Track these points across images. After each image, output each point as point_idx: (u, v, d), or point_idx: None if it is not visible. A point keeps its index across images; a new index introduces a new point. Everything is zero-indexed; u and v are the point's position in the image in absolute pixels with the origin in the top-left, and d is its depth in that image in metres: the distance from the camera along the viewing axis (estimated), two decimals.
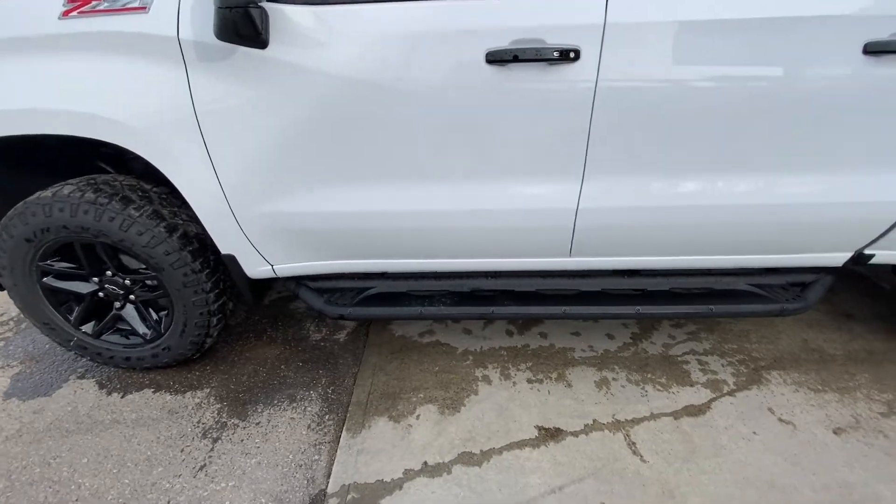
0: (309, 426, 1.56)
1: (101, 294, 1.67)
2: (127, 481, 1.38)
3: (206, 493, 1.34)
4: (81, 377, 1.77)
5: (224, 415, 1.61)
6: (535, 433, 1.51)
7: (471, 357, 1.86)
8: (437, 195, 1.40)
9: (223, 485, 1.36)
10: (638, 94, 1.26)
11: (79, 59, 1.25)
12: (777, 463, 1.39)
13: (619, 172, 1.38)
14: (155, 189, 1.56)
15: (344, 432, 1.52)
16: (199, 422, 1.58)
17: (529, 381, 1.73)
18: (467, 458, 1.42)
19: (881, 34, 1.16)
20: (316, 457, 1.45)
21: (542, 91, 1.26)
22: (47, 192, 1.44)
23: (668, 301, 1.65)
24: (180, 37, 1.21)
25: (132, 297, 1.67)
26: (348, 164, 1.36)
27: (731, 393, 1.66)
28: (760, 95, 1.24)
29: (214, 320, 1.68)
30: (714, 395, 1.65)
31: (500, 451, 1.45)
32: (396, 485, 1.34)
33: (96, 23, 1.22)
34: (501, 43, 1.20)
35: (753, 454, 1.42)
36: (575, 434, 1.51)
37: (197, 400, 1.67)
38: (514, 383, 1.72)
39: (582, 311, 1.60)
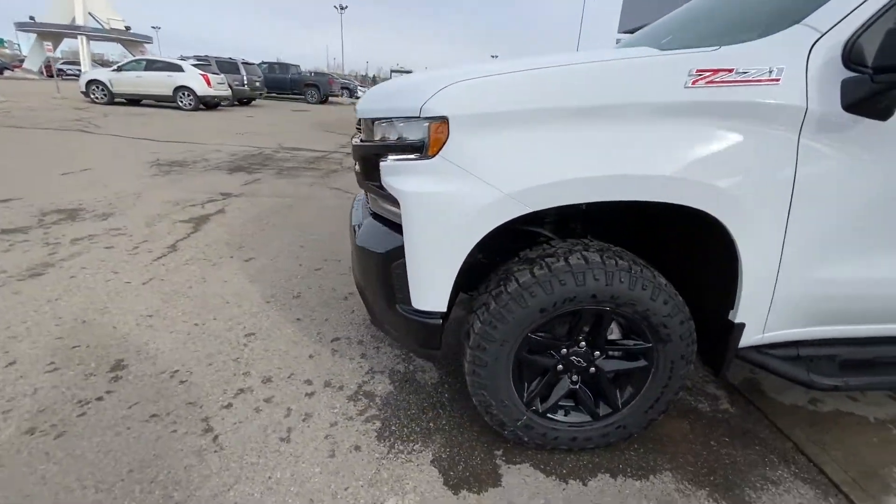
0: None
1: (560, 367, 1.54)
2: None
3: None
4: (509, 462, 1.59)
5: (720, 499, 1.45)
6: None
7: (892, 426, 1.77)
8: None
9: None
10: None
11: (693, 127, 1.23)
12: None
13: None
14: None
15: None
16: None
17: None
18: None
19: None
20: None
21: None
22: (579, 260, 1.35)
23: None
24: (808, 107, 1.21)
25: (592, 370, 1.54)
26: None
27: None
28: None
29: (680, 394, 1.56)
30: None
31: None
32: None
33: (722, 93, 1.22)
34: None
35: None
36: None
37: (669, 484, 1.50)
38: None
39: None
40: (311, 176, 6.04)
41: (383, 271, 1.46)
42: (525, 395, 1.55)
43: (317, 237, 3.71)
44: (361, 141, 1.57)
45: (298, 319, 2.46)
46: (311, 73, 23.26)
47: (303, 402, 1.83)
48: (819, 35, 1.23)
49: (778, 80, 1.21)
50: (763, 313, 1.44)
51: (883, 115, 1.21)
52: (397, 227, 1.43)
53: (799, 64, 1.22)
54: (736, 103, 1.22)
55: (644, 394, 1.54)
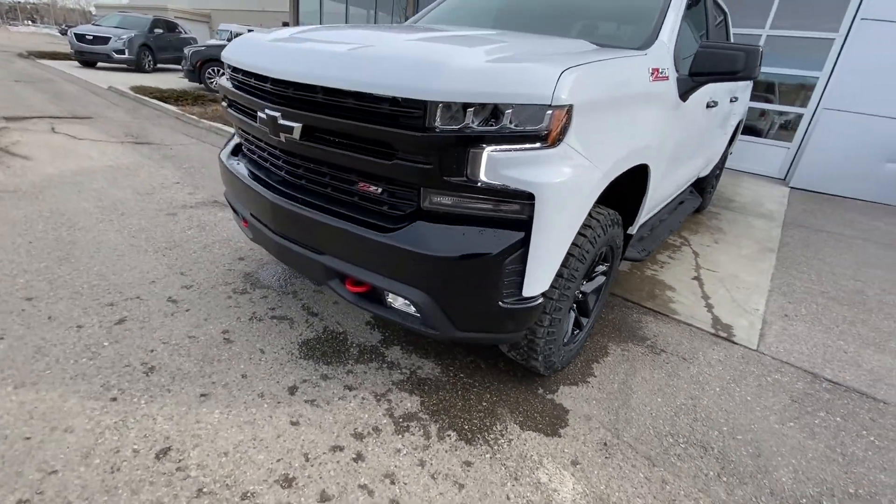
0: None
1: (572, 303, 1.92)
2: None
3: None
4: (552, 393, 1.90)
5: (635, 342, 2.32)
6: None
7: (636, 271, 3.20)
8: (690, 165, 2.72)
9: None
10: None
11: (646, 108, 1.76)
12: None
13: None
14: None
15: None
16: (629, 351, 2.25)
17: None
18: None
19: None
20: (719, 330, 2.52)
21: (720, 116, 2.82)
22: (599, 217, 1.72)
23: None
24: (674, 94, 1.98)
25: (580, 296, 2.01)
26: (685, 153, 2.47)
27: None
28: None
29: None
30: None
31: None
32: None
33: (656, 86, 1.78)
34: (712, 100, 2.67)
35: None
36: None
37: (616, 346, 2.25)
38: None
39: None
40: None
41: (494, 271, 1.36)
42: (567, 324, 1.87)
43: (32, 279, 2.19)
44: (438, 130, 1.25)
45: (204, 396, 1.64)
46: None
47: (364, 468, 1.44)
48: (667, 50, 1.99)
49: (668, 77, 1.91)
50: (639, 223, 2.29)
51: (685, 99, 2.14)
52: (496, 223, 1.36)
53: (670, 68, 1.95)
54: (660, 92, 1.85)
55: (601, 298, 2.17)
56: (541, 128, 1.27)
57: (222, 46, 10.48)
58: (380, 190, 1.44)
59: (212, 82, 9.36)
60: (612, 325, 2.48)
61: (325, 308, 2.30)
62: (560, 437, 1.69)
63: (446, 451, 1.56)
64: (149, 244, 2.71)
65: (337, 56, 1.39)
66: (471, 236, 1.35)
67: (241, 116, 1.80)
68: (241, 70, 1.71)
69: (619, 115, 1.54)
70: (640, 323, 2.54)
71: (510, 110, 1.24)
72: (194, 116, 6.28)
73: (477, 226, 1.36)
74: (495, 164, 1.26)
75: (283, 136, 1.52)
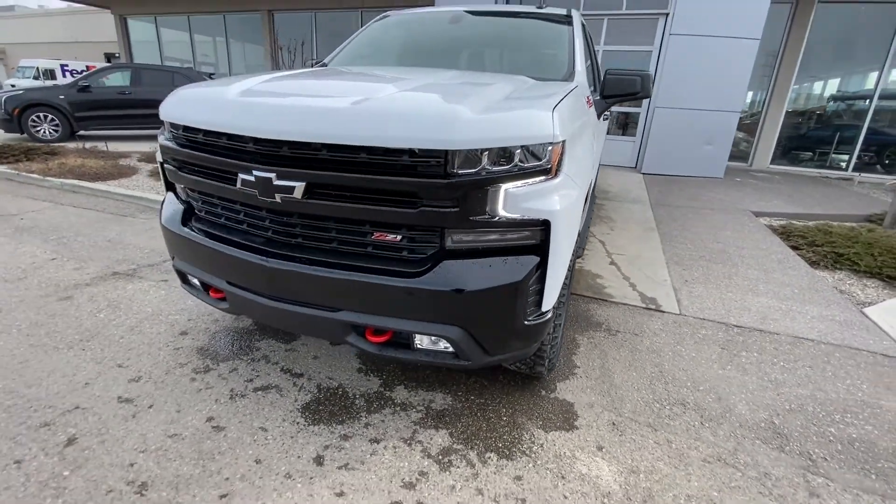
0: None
1: None
2: None
3: None
4: (553, 392, 2.08)
5: (607, 330, 2.64)
6: None
7: None
8: (596, 168, 3.15)
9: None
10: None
11: (588, 131, 2.06)
12: None
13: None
14: None
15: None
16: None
17: None
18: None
19: None
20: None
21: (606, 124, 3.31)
22: None
23: None
24: (594, 114, 2.33)
25: None
26: (596, 160, 2.87)
27: None
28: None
29: None
30: None
31: None
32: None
33: (589, 111, 2.09)
34: (605, 113, 3.16)
35: None
36: None
37: (575, 334, 2.54)
38: None
39: None
40: None
41: (522, 295, 1.48)
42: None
43: None
44: (459, 175, 1.33)
45: (225, 497, 1.46)
46: None
47: None
48: (585, 77, 2.34)
49: (592, 102, 2.25)
50: (580, 226, 2.62)
51: (599, 118, 2.53)
52: (516, 251, 1.49)
53: (590, 94, 2.30)
54: (592, 115, 2.17)
55: (567, 295, 2.42)
56: (544, 162, 1.43)
57: (45, 89, 8.78)
58: (399, 237, 1.46)
59: (38, 132, 7.80)
60: (570, 318, 2.77)
61: (307, 365, 2.17)
62: (578, 428, 1.87)
63: (494, 473, 1.62)
64: (55, 340, 2.23)
65: (343, 112, 1.38)
66: (497, 267, 1.46)
67: (203, 179, 1.64)
68: (202, 130, 1.57)
69: (581, 141, 1.80)
70: (589, 311, 2.88)
71: (519, 150, 1.38)
72: (34, 174, 5.19)
73: (499, 256, 1.47)
74: (513, 199, 1.39)
75: (278, 197, 1.44)
